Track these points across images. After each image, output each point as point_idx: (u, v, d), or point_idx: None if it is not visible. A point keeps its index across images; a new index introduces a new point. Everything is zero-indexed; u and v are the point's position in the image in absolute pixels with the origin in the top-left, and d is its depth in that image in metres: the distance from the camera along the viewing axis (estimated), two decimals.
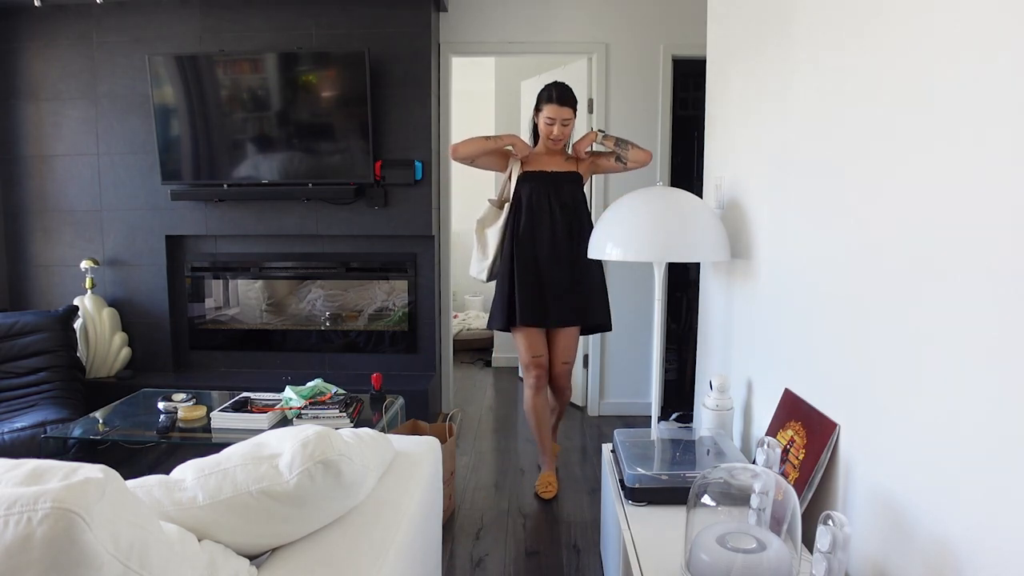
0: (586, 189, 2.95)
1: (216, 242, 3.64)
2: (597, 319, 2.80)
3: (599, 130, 2.80)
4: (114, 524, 0.75)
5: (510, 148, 2.74)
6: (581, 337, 2.97)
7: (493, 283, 2.84)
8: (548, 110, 2.67)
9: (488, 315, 2.86)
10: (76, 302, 3.46)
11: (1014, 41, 0.96)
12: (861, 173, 1.42)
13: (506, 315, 2.71)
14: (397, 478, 1.38)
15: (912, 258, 1.21)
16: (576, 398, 4.02)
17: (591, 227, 2.67)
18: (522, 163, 2.77)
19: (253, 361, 3.71)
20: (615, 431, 2.06)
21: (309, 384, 2.58)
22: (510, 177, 2.77)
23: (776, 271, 1.90)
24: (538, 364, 2.76)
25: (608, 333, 3.82)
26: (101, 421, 2.57)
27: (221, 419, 2.44)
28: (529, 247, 2.70)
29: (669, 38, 3.62)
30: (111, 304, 3.60)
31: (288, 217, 3.50)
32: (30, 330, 3.12)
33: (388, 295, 3.67)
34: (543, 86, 2.74)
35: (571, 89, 2.71)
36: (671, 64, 3.66)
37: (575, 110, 2.71)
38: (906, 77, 1.24)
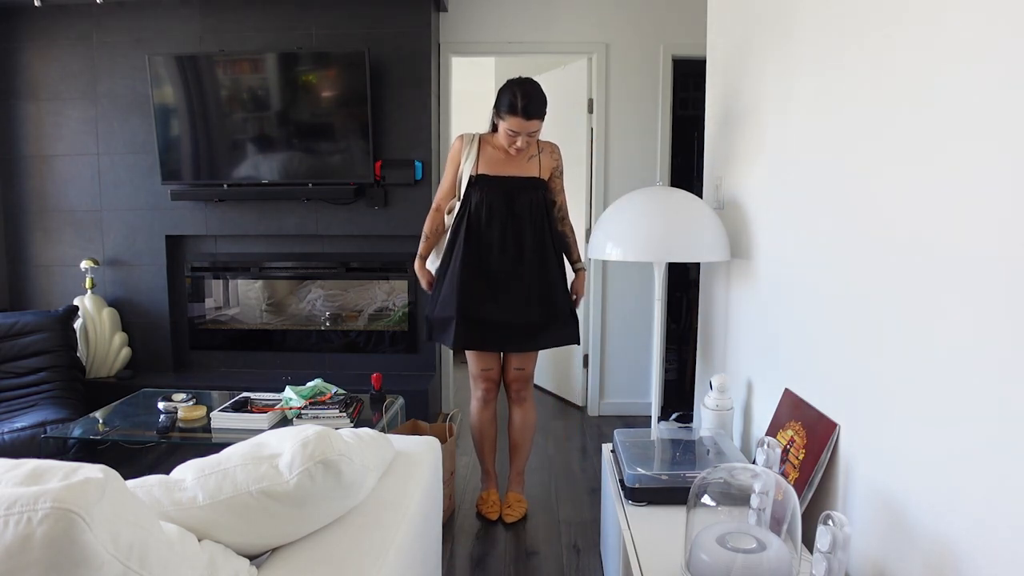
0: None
1: (216, 242, 3.64)
2: (552, 340, 2.48)
3: (582, 268, 2.62)
4: (114, 524, 0.75)
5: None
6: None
7: None
8: (512, 123, 2.29)
9: (428, 326, 2.52)
10: (76, 302, 3.46)
11: (1015, 45, 0.96)
12: (862, 174, 1.42)
13: (453, 331, 2.41)
14: (397, 478, 1.38)
15: (912, 258, 1.21)
16: (576, 398, 4.02)
17: (552, 237, 2.48)
18: (477, 156, 2.42)
19: (253, 361, 3.71)
20: (615, 431, 2.06)
21: (309, 384, 2.58)
22: (460, 173, 2.46)
23: (776, 271, 1.90)
24: (487, 378, 2.55)
25: (608, 333, 3.83)
26: (101, 421, 2.57)
27: (221, 419, 2.44)
28: (474, 263, 2.41)
29: (669, 38, 3.62)
30: (111, 304, 3.60)
31: (288, 217, 3.50)
32: (30, 330, 3.12)
33: (388, 295, 3.67)
34: (506, 83, 2.34)
35: (540, 92, 2.33)
36: (671, 64, 3.66)
37: (543, 118, 2.35)
38: (909, 78, 1.24)
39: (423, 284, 2.59)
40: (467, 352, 2.54)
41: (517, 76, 2.40)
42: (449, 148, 3.66)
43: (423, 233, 2.56)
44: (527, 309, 2.44)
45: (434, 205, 2.56)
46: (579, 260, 2.64)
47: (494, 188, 2.41)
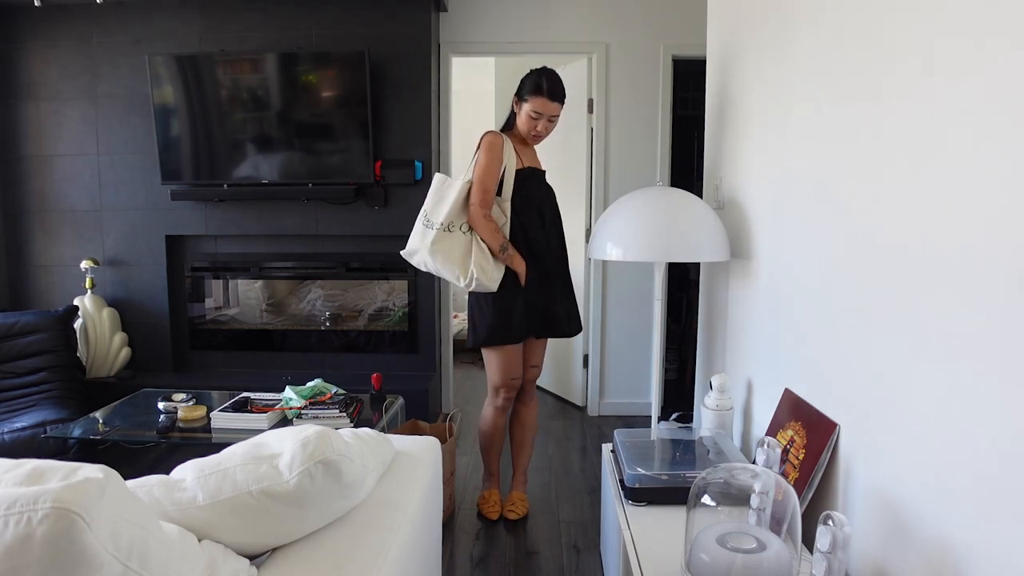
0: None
1: (216, 242, 3.63)
2: (573, 329, 2.56)
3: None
4: (114, 524, 0.75)
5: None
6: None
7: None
8: (536, 103, 2.33)
9: (483, 329, 2.42)
10: (76, 302, 3.46)
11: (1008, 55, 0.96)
12: (863, 174, 1.42)
13: (511, 328, 2.40)
14: (397, 478, 1.38)
15: (911, 259, 1.21)
16: (576, 398, 4.02)
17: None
18: (516, 152, 2.42)
19: (253, 361, 3.71)
20: (615, 431, 2.06)
21: (309, 384, 2.58)
22: (504, 172, 2.38)
23: (776, 271, 1.90)
24: (513, 387, 2.52)
25: (608, 333, 3.83)
26: (101, 421, 2.57)
27: (221, 419, 2.44)
28: (528, 255, 2.43)
29: (669, 38, 3.62)
30: (111, 304, 3.60)
31: (288, 217, 3.50)
32: (30, 330, 3.12)
33: (388, 295, 3.67)
34: (529, 71, 2.39)
35: (561, 81, 2.39)
36: (671, 64, 3.66)
37: (562, 106, 2.40)
38: (907, 78, 1.24)
39: (522, 270, 2.39)
40: (498, 359, 2.44)
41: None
42: (449, 148, 3.72)
43: (495, 236, 2.34)
44: (563, 297, 2.52)
45: (483, 212, 2.33)
46: None
47: (535, 181, 2.47)
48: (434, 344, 3.63)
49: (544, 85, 2.33)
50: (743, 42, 2.20)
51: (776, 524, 1.29)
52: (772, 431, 1.78)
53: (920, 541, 1.17)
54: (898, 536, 1.24)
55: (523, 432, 2.66)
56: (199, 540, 1.00)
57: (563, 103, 2.40)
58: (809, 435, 1.59)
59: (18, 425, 2.67)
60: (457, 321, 5.57)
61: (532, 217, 2.44)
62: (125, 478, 0.87)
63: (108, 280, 3.62)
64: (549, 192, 2.53)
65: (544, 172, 2.54)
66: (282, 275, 3.70)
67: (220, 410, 2.48)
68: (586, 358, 3.90)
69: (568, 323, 2.54)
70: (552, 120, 2.40)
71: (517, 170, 2.40)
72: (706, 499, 1.32)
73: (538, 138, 2.45)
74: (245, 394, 2.66)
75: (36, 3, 3.27)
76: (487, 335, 2.41)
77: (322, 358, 3.69)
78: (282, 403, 2.53)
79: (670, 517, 1.67)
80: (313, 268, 3.67)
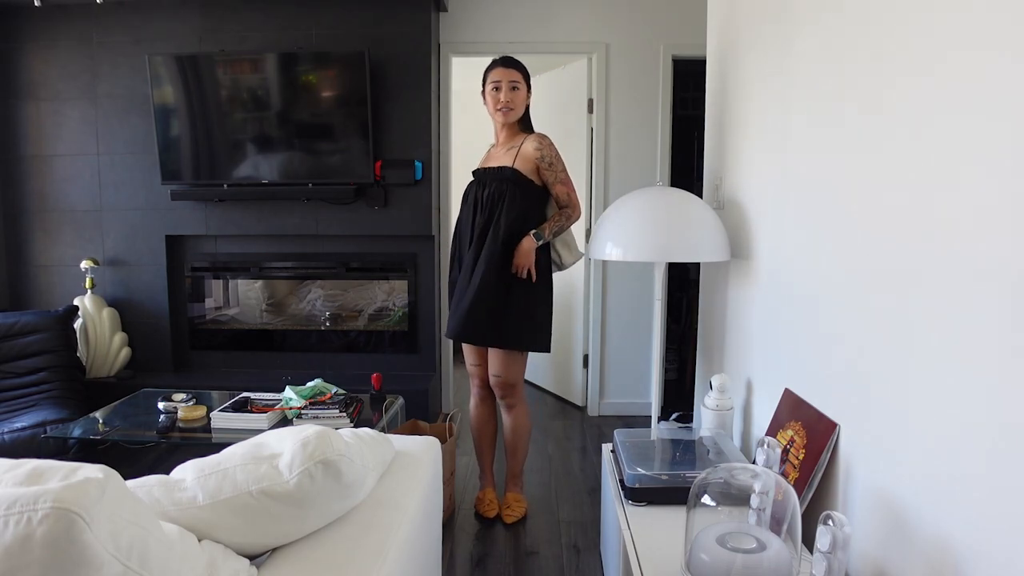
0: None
1: (216, 242, 3.64)
2: (508, 341, 2.41)
3: (533, 233, 2.40)
4: (114, 524, 0.75)
5: None
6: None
7: None
8: (492, 75, 2.44)
9: None
10: (76, 302, 3.46)
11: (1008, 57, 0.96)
12: (862, 173, 1.42)
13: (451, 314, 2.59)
14: (397, 478, 1.38)
15: (911, 259, 1.21)
16: (576, 398, 4.02)
17: (504, 229, 2.39)
18: (483, 159, 2.65)
19: (253, 361, 3.71)
20: (615, 431, 2.06)
21: (309, 384, 2.58)
22: None
23: (776, 271, 1.90)
24: (477, 375, 2.61)
25: (608, 333, 3.83)
26: (101, 421, 2.57)
27: (221, 419, 2.44)
28: (454, 250, 2.60)
29: (669, 38, 3.62)
30: (111, 304, 3.60)
31: (288, 217, 3.50)
32: (30, 330, 3.12)
33: (388, 295, 3.67)
34: None
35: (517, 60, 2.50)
36: (671, 64, 3.66)
37: (526, 78, 2.46)
38: (908, 77, 1.24)
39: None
40: (462, 346, 2.62)
41: None
42: (449, 148, 3.72)
43: None
44: (465, 297, 2.43)
45: None
46: (542, 232, 2.42)
47: (476, 181, 2.55)
48: (434, 344, 3.63)
49: (497, 60, 2.48)
50: (743, 42, 2.20)
51: (776, 524, 1.29)
52: (772, 431, 1.78)
53: (920, 541, 1.17)
54: (898, 536, 1.24)
55: (508, 438, 2.64)
56: (199, 540, 1.00)
57: (521, 69, 2.46)
58: (809, 435, 1.59)
59: (18, 425, 2.67)
60: None
61: (463, 216, 2.54)
62: (125, 478, 0.87)
63: (108, 280, 3.62)
64: (491, 193, 2.42)
65: (499, 168, 2.44)
66: (282, 275, 3.69)
67: (220, 410, 2.48)
68: (586, 358, 3.90)
69: (490, 333, 2.40)
70: (515, 88, 2.44)
71: (472, 171, 2.60)
72: (706, 499, 1.32)
73: (509, 111, 2.44)
74: (245, 394, 2.66)
75: (36, 3, 3.27)
76: None
77: (322, 358, 3.69)
78: (282, 403, 2.53)
79: (670, 517, 1.67)
80: (313, 268, 3.67)
